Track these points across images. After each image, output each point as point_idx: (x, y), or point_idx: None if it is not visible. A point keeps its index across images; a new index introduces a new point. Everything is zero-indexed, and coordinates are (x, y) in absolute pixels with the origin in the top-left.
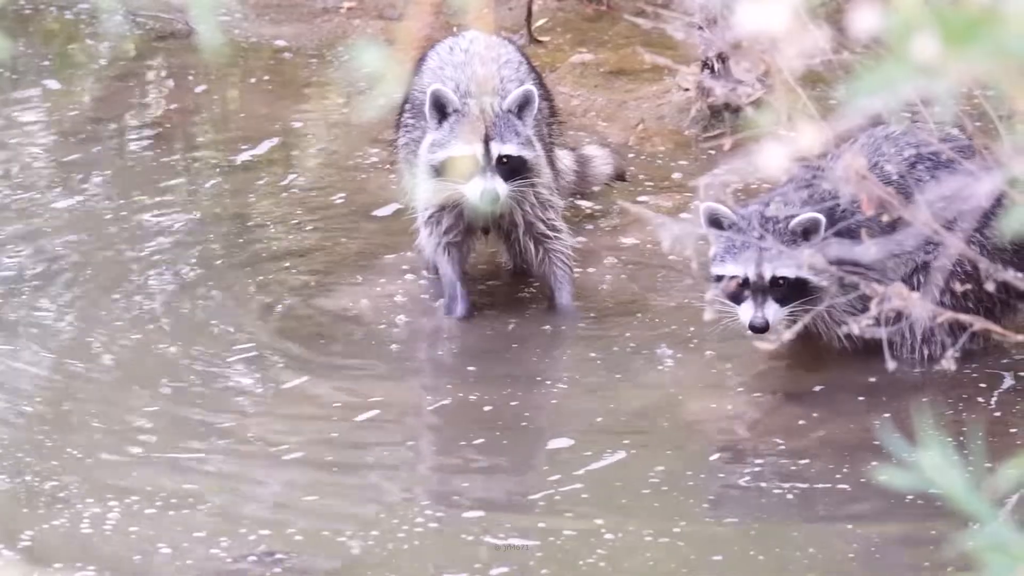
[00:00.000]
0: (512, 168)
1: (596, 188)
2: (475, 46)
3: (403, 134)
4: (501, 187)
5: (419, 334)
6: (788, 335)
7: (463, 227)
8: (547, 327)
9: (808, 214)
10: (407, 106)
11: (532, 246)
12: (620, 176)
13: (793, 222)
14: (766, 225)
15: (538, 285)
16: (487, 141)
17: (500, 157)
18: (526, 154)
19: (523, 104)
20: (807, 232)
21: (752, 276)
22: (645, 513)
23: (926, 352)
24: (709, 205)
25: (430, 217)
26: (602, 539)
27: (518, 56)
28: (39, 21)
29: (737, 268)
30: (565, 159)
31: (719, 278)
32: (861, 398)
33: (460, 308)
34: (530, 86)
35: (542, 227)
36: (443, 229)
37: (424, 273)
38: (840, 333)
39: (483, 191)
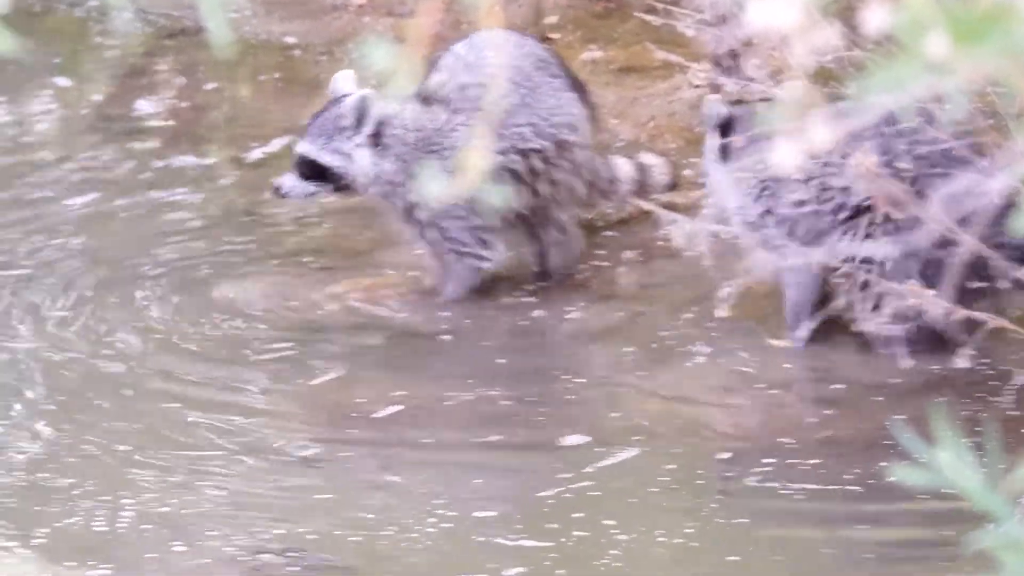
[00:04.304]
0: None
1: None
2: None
3: None
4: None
5: (445, 327)
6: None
7: None
8: (572, 319)
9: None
10: None
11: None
12: (674, 185)
13: None
14: None
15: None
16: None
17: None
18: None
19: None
20: None
21: None
22: (656, 513)
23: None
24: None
25: None
26: (614, 540)
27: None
28: (48, 19)
29: None
30: (624, 167)
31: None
32: (876, 397)
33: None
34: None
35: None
36: None
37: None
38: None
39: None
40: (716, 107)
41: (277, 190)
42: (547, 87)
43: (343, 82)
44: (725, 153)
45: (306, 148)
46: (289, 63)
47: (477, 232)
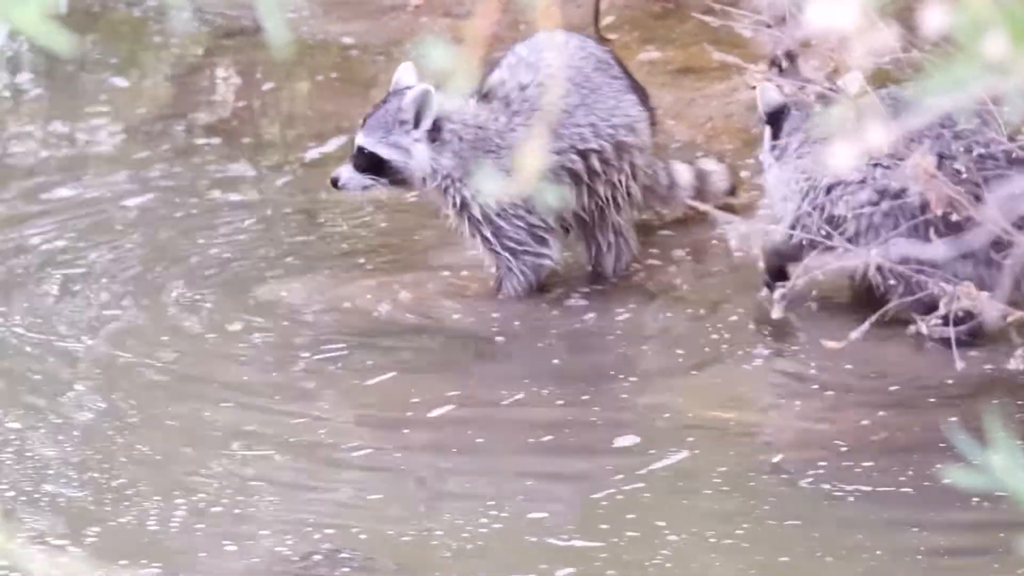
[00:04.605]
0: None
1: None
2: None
3: None
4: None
5: (498, 329)
6: (855, 335)
7: None
8: (624, 320)
9: None
10: None
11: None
12: (733, 191)
13: None
14: None
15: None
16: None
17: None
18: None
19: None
20: None
21: None
22: (707, 514)
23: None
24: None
25: None
26: (665, 541)
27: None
28: (107, 18)
29: None
30: (684, 173)
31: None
32: (930, 399)
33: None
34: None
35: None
36: None
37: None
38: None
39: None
40: (769, 94)
41: (334, 182)
42: (607, 88)
43: (405, 75)
44: (777, 147)
45: (364, 140)
46: (346, 63)
47: (534, 230)
